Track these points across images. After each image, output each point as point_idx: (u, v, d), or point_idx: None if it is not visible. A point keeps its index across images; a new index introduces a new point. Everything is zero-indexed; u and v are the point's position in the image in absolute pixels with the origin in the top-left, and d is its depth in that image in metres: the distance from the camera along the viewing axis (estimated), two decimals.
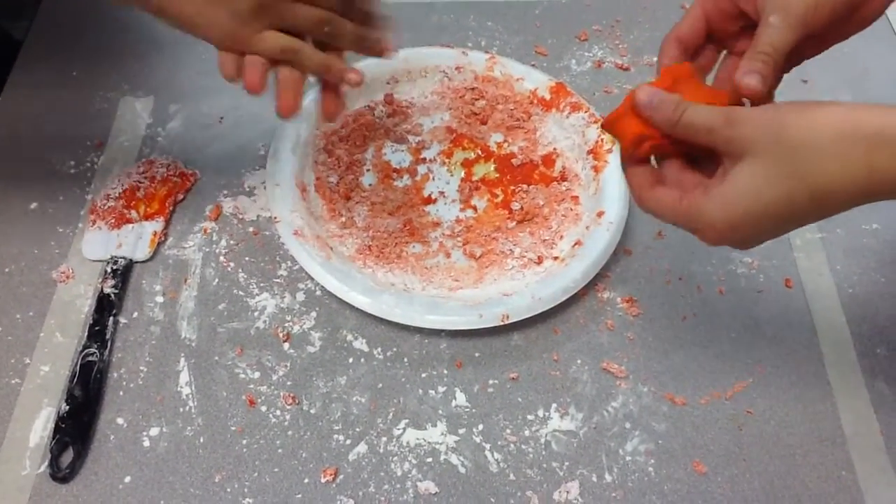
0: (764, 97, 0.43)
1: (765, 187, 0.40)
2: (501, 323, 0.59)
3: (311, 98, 0.70)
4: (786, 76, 0.46)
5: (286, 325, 0.61)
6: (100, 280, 0.62)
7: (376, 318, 0.60)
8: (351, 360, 0.60)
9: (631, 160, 0.46)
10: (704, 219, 0.42)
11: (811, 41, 0.46)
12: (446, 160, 0.71)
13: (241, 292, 0.63)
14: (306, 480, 0.54)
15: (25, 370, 0.58)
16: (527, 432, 0.57)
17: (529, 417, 0.58)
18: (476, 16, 0.84)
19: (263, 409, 0.57)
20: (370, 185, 0.69)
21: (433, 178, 0.70)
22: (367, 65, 0.73)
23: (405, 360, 0.60)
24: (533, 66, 0.76)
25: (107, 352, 0.58)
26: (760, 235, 0.43)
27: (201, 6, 0.49)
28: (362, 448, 0.56)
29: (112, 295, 0.61)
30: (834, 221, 0.68)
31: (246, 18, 0.50)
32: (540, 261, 0.64)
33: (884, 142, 0.37)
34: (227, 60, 0.51)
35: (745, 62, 0.43)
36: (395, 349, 0.60)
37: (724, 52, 0.50)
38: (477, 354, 0.60)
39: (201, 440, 0.55)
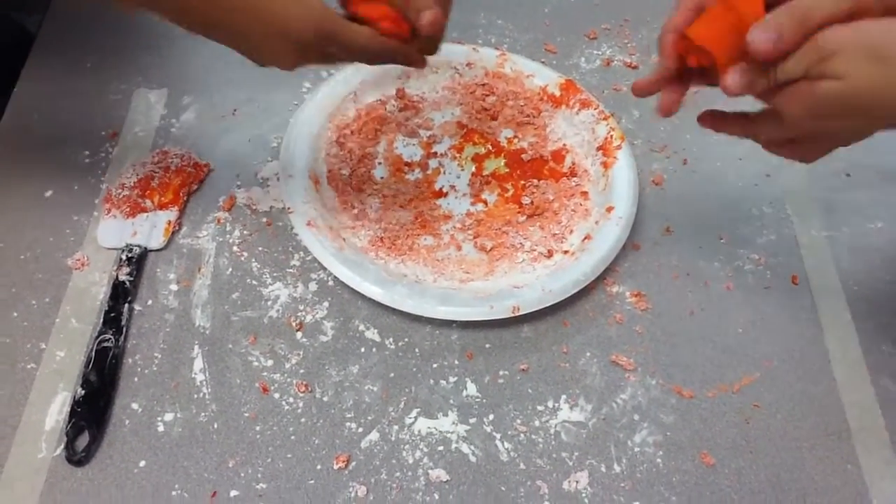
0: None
1: None
2: (512, 315, 0.60)
3: (321, 93, 0.71)
4: None
5: (299, 314, 0.62)
6: (115, 268, 0.63)
7: (388, 308, 0.61)
8: (363, 349, 0.60)
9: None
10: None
11: None
12: (457, 155, 0.72)
13: (254, 282, 0.63)
14: (319, 467, 0.55)
15: (41, 355, 0.58)
16: (537, 423, 0.58)
17: (539, 408, 0.58)
18: (486, 13, 0.85)
19: (276, 396, 0.58)
20: (382, 177, 0.70)
21: (444, 172, 0.71)
22: None
23: (416, 350, 0.61)
24: (543, 63, 0.77)
25: (122, 338, 0.59)
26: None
27: (264, 38, 0.50)
28: (374, 436, 0.56)
29: (127, 282, 0.61)
30: (840, 220, 0.69)
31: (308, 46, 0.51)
32: (550, 254, 0.65)
33: None
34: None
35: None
36: (406, 339, 0.61)
37: None
38: (487, 346, 0.61)
39: (215, 426, 0.56)
